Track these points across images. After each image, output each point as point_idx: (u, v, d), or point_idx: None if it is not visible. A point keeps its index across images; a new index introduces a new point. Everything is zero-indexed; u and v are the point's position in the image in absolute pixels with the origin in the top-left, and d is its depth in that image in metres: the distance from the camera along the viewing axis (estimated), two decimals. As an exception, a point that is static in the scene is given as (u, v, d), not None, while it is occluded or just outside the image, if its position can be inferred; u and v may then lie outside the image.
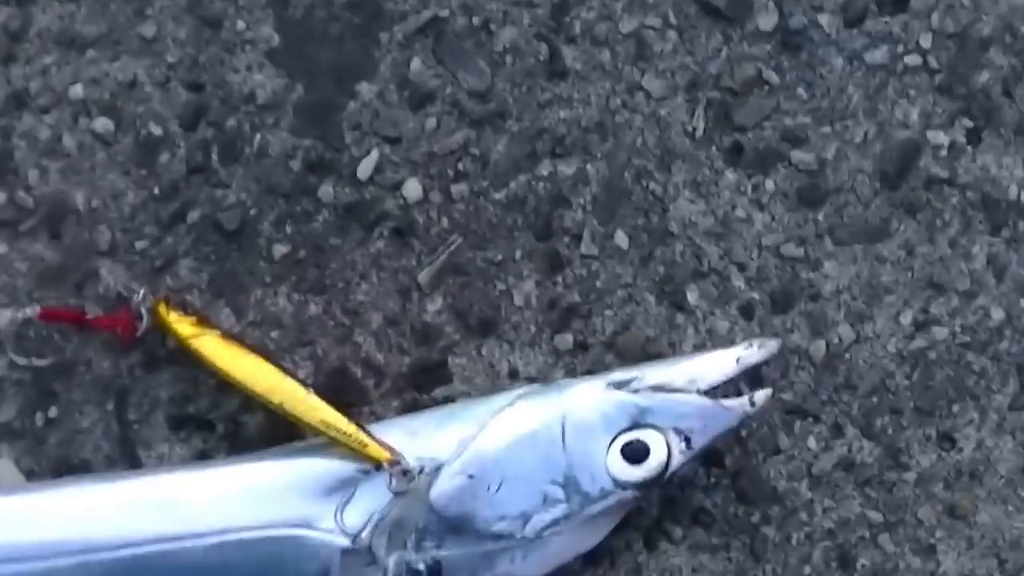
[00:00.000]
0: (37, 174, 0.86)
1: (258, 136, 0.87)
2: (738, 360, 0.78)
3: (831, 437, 0.85)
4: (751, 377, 0.80)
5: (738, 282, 0.86)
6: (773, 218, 0.87)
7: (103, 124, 0.86)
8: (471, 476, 0.75)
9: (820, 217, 0.87)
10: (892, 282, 0.87)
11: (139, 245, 0.85)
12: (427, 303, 0.85)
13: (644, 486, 0.77)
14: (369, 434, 0.75)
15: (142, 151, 0.86)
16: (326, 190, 0.86)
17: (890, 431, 0.85)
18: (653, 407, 0.76)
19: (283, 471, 0.77)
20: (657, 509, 0.83)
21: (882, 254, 0.87)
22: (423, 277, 0.85)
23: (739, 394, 0.78)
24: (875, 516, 0.84)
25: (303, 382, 0.78)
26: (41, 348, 0.83)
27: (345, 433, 0.75)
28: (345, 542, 0.74)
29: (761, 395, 0.78)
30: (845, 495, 0.84)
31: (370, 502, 0.75)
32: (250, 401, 0.79)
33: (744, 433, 0.84)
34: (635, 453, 0.76)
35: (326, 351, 0.84)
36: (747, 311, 0.86)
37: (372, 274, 0.85)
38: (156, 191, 0.85)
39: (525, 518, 0.75)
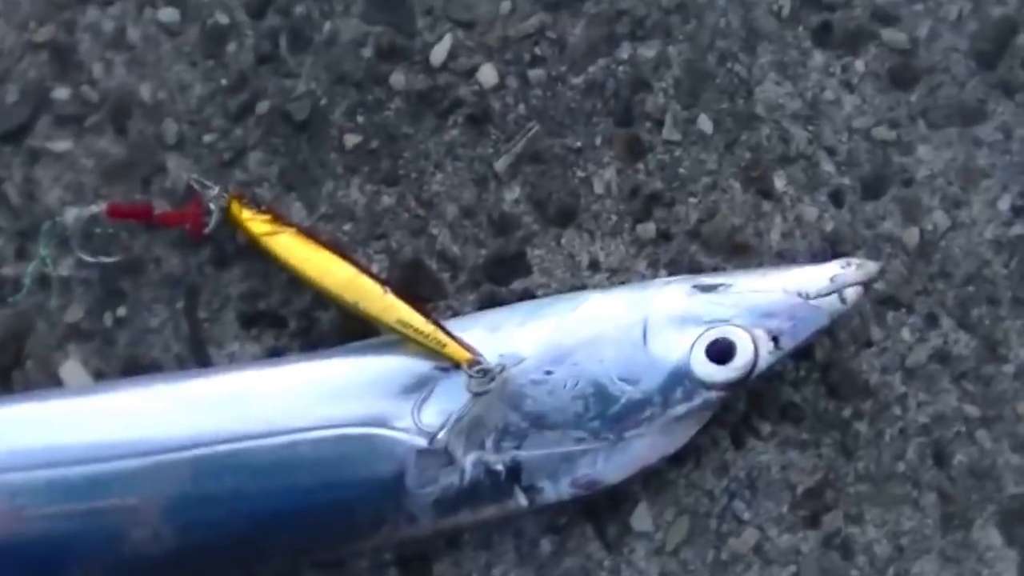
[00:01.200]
0: (102, 68, 0.76)
1: (328, 23, 0.76)
2: (832, 279, 0.66)
3: (926, 328, 0.72)
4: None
5: (827, 167, 0.73)
6: (864, 100, 0.74)
7: (168, 14, 0.76)
8: (550, 373, 0.65)
9: (913, 99, 0.74)
10: (989, 166, 0.74)
11: (207, 138, 0.74)
12: (504, 192, 0.73)
13: (729, 386, 0.66)
14: (448, 333, 0.66)
15: (209, 41, 0.75)
16: (398, 78, 0.74)
17: (987, 322, 0.72)
18: (740, 305, 0.66)
19: (358, 368, 0.68)
20: (744, 404, 0.72)
21: (978, 137, 0.74)
22: (500, 166, 0.73)
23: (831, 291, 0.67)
24: (972, 410, 0.72)
25: (380, 279, 0.68)
26: (109, 246, 0.72)
27: (423, 333, 0.66)
28: (422, 442, 0.64)
29: (853, 292, 0.67)
30: (940, 389, 0.72)
31: (448, 401, 0.65)
32: (324, 297, 0.69)
33: (835, 325, 0.71)
34: (720, 352, 0.65)
35: (400, 244, 0.72)
36: (837, 197, 0.73)
37: (447, 163, 0.73)
38: (224, 82, 0.74)
39: (604, 418, 0.66)
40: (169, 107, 0.74)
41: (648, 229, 0.73)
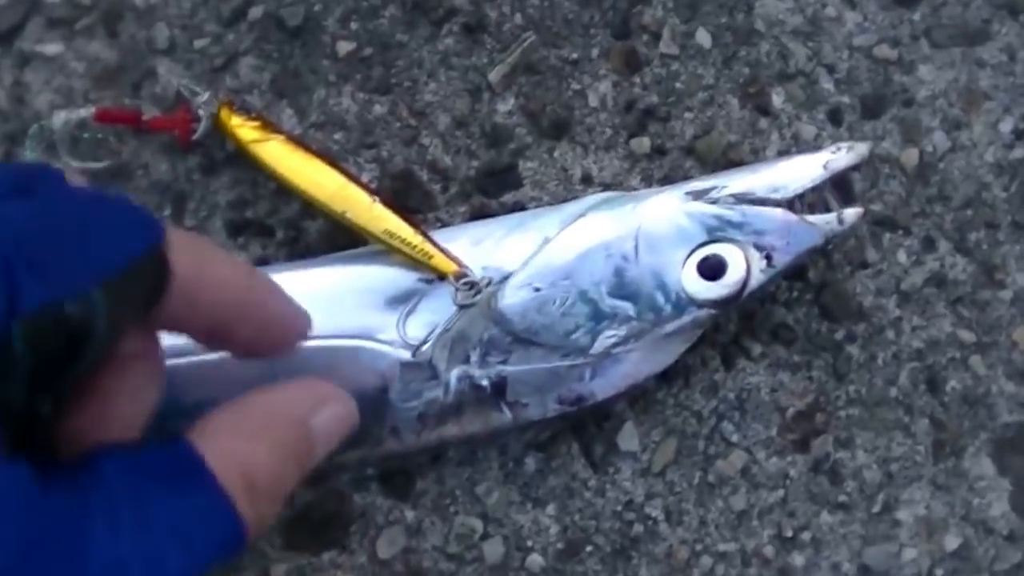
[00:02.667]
0: (94, -31, 0.62)
1: (322, -70, 0.62)
2: (825, 165, 0.55)
3: (922, 251, 0.60)
4: (841, 191, 0.56)
5: (827, 85, 0.61)
6: (865, 17, 0.62)
7: None
8: (538, 289, 0.54)
9: (916, 17, 0.62)
10: (991, 87, 0.61)
11: (198, 43, 0.62)
12: (498, 103, 0.61)
13: (720, 304, 0.54)
14: (435, 244, 0.55)
15: (202, -55, 0.62)
16: (392, -15, 0.61)
17: (985, 246, 0.60)
18: (733, 220, 0.54)
19: (343, 279, 0.56)
20: (735, 324, 0.59)
21: (981, 57, 0.62)
22: (494, 76, 0.61)
23: (827, 210, 0.55)
24: (967, 336, 0.60)
25: (368, 189, 0.56)
26: (97, 151, 0.60)
27: (410, 244, 0.55)
28: (406, 355, 0.54)
29: (851, 213, 0.55)
30: (936, 313, 0.60)
31: (433, 313, 0.54)
32: (312, 206, 0.57)
33: (829, 246, 0.59)
34: (712, 269, 0.54)
35: (391, 153, 0.60)
36: (835, 116, 0.61)
37: (440, 72, 0.61)
38: (216, -13, 0.61)
39: (594, 334, 0.54)
40: (161, 11, 0.62)
41: (643, 143, 0.61)
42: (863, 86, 0.61)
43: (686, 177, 0.60)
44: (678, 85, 0.61)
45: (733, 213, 0.54)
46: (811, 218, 0.54)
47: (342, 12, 0.62)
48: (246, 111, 0.59)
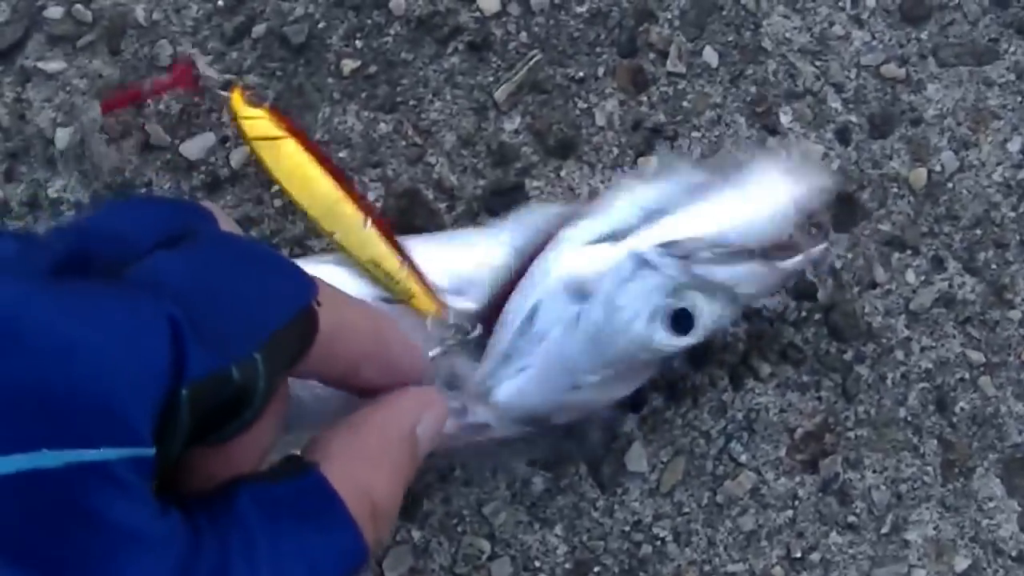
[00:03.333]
0: (97, -15, 0.61)
1: (327, -54, 0.61)
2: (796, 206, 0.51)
3: (931, 271, 0.59)
4: (845, 208, 0.56)
5: (835, 104, 0.60)
6: (873, 36, 0.61)
7: None
8: (523, 369, 0.51)
9: (923, 36, 0.61)
10: (1000, 106, 0.61)
11: (201, 61, 0.60)
12: (504, 122, 0.60)
13: (694, 345, 0.52)
14: (421, 279, 0.52)
15: (206, -38, 0.61)
16: (398, 2, 0.61)
17: (994, 266, 0.60)
18: (704, 277, 0.51)
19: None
20: (744, 344, 0.58)
21: (990, 76, 0.61)
22: (500, 94, 0.60)
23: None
24: (976, 356, 0.59)
25: (367, 209, 0.53)
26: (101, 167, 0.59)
27: (392, 279, 0.52)
28: None
29: (818, 250, 0.53)
30: (944, 333, 0.59)
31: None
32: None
33: (839, 265, 0.59)
34: (678, 321, 0.51)
35: (396, 172, 0.60)
36: (843, 135, 0.60)
37: (446, 91, 0.60)
38: (220, 3, 0.61)
39: (571, 392, 0.52)
40: (164, 28, 0.62)
41: (650, 162, 0.60)
42: (871, 105, 0.61)
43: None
44: (685, 104, 0.61)
45: (703, 271, 0.51)
46: (780, 265, 0.52)
47: (346, 30, 0.61)
48: (260, 99, 0.57)
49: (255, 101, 0.55)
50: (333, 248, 0.53)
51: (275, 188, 0.59)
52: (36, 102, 0.61)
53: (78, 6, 0.61)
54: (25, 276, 0.26)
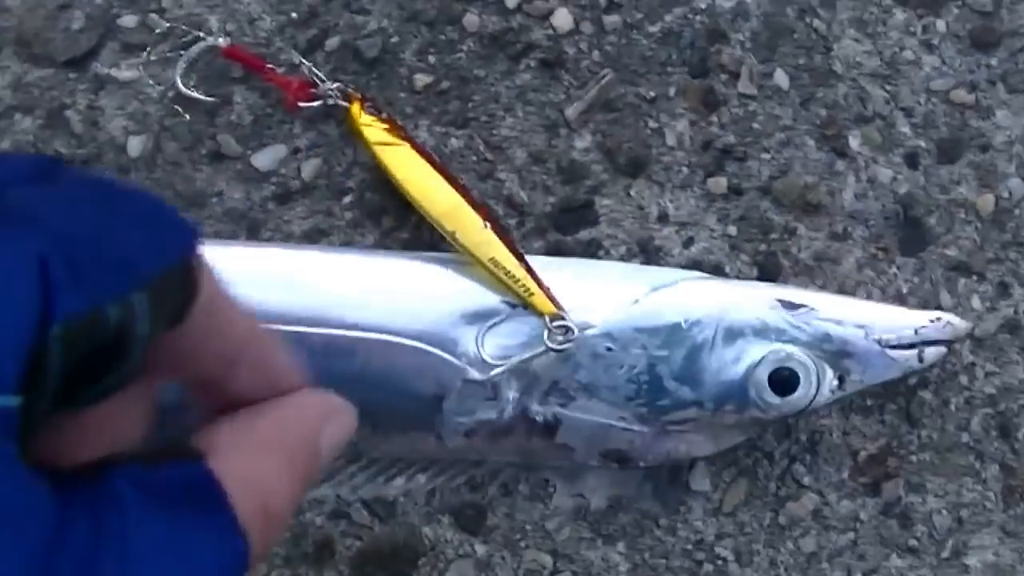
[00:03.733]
0: (171, -5, 0.61)
1: (400, -40, 0.61)
2: (917, 331, 0.54)
3: (997, 297, 0.60)
4: (912, 233, 0.56)
5: (904, 128, 0.61)
6: (943, 61, 0.61)
7: None
8: (610, 348, 0.54)
9: (993, 62, 0.61)
10: (1068, 134, 0.60)
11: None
12: (575, 140, 0.60)
13: (783, 414, 0.54)
14: (538, 282, 0.54)
15: (280, -27, 0.61)
16: (471, 18, 0.61)
17: (1059, 293, 0.60)
18: (817, 334, 0.54)
19: (427, 279, 0.56)
20: (809, 365, 0.58)
21: (1059, 104, 0.61)
22: (571, 112, 0.60)
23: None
24: (1040, 382, 0.59)
25: (484, 213, 0.56)
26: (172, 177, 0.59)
27: (513, 277, 0.54)
28: (471, 370, 0.53)
29: (932, 352, 0.54)
30: (1009, 359, 0.59)
31: (512, 338, 0.54)
32: (385, 234, 0.56)
33: (905, 290, 0.59)
34: (782, 381, 0.53)
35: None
36: (912, 159, 0.60)
37: (517, 108, 0.60)
38: (294, 15, 0.61)
39: (651, 407, 0.54)
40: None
41: (719, 183, 0.60)
42: (940, 130, 0.61)
43: (763, 218, 0.60)
44: (755, 125, 0.61)
45: (819, 326, 0.53)
46: (893, 353, 0.54)
47: (419, 45, 0.61)
48: (377, 111, 0.58)
49: (373, 111, 0.57)
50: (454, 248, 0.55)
51: (346, 200, 0.60)
52: (109, 109, 0.61)
53: (153, 15, 0.62)
54: None
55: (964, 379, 0.59)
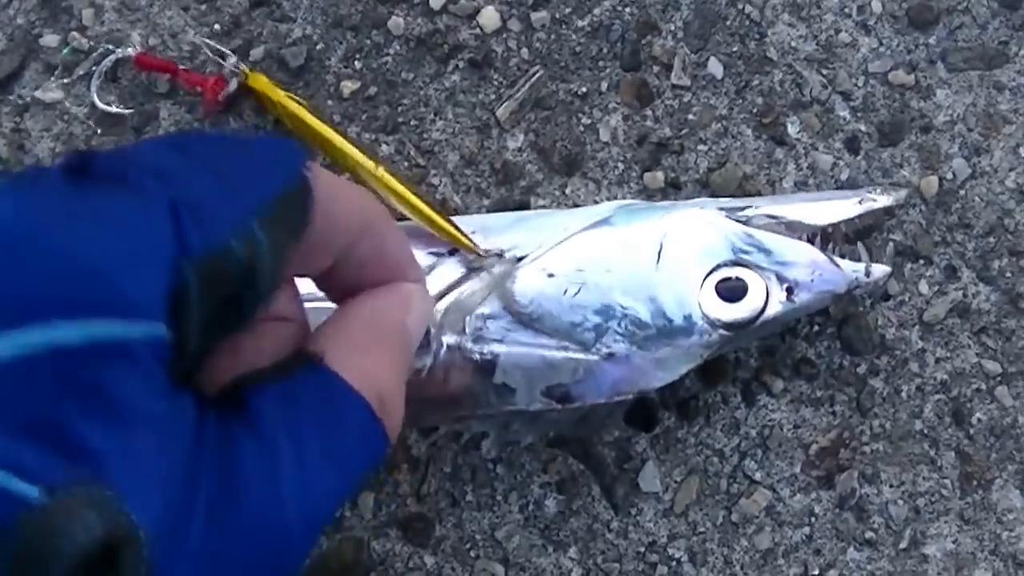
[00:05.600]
0: (92, 13, 0.61)
1: (324, -34, 0.60)
2: (860, 201, 0.53)
3: (944, 281, 0.58)
4: (860, 233, 0.55)
5: (843, 112, 0.59)
6: (880, 42, 0.59)
7: None
8: (552, 275, 0.52)
9: (932, 40, 0.59)
10: (1011, 111, 0.59)
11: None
12: (507, 140, 0.58)
13: (732, 326, 0.52)
14: (449, 220, 0.53)
15: (202, -16, 0.60)
16: (397, 21, 0.59)
17: (1009, 274, 0.58)
18: (762, 245, 0.52)
19: None
20: (756, 360, 0.57)
21: (1000, 80, 0.59)
22: (502, 112, 0.59)
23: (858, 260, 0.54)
24: (992, 367, 0.58)
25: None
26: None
27: (419, 210, 0.53)
28: None
29: (879, 268, 0.53)
30: (960, 344, 0.58)
31: (439, 284, 0.52)
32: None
33: (850, 296, 0.57)
34: (730, 291, 0.51)
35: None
36: (852, 144, 0.58)
37: (448, 110, 0.59)
38: (217, 27, 0.60)
39: (598, 332, 0.51)
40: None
41: (656, 178, 0.58)
42: (880, 113, 0.59)
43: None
44: (691, 117, 0.59)
45: (763, 238, 0.52)
46: (840, 262, 0.52)
47: (345, 51, 0.59)
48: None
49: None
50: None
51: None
52: (35, 132, 0.60)
53: (74, 33, 0.60)
54: (38, 189, 0.27)
55: (915, 366, 0.58)
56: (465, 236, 0.52)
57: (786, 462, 0.57)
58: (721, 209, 0.53)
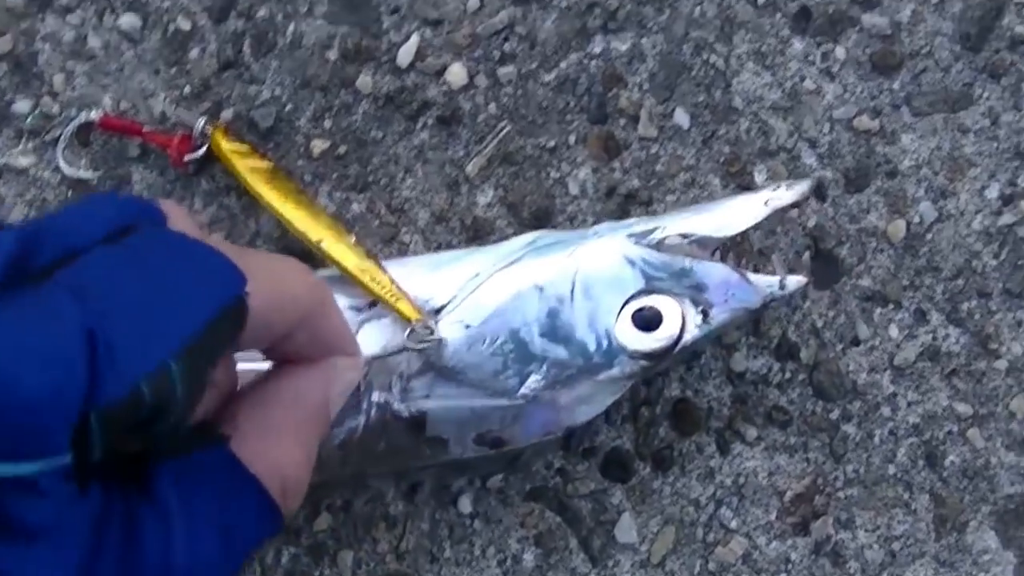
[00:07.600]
0: (63, 78, 0.61)
1: (291, 25, 0.61)
2: (767, 202, 0.52)
3: (914, 324, 0.58)
4: (824, 266, 0.54)
5: (809, 159, 0.59)
6: (845, 88, 0.59)
7: (129, 21, 0.61)
8: (468, 326, 0.51)
9: (896, 86, 0.59)
10: (976, 153, 0.59)
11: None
12: (477, 195, 0.58)
13: (652, 356, 0.51)
14: (402, 291, 0.52)
15: (171, 48, 0.60)
16: (365, 80, 0.59)
17: (978, 316, 0.58)
18: (673, 270, 0.51)
19: None
20: (729, 408, 0.57)
21: (964, 123, 0.59)
22: (471, 168, 0.59)
23: (773, 274, 0.53)
24: (964, 409, 0.58)
25: (346, 226, 0.55)
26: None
27: (379, 283, 0.52)
28: None
29: (793, 280, 0.52)
30: (931, 387, 0.57)
31: (370, 340, 0.51)
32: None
33: (820, 324, 0.57)
34: (646, 320, 0.51)
35: (372, 251, 0.57)
36: (819, 191, 0.59)
37: (417, 167, 0.59)
38: (187, 90, 0.60)
39: (522, 376, 0.51)
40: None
41: (628, 229, 0.59)
42: (846, 159, 0.59)
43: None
44: (659, 167, 0.59)
45: (674, 262, 0.51)
46: (753, 277, 0.52)
47: (314, 111, 0.59)
48: (239, 137, 0.58)
49: (235, 137, 0.58)
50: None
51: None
52: (8, 198, 0.59)
53: (46, 99, 0.60)
54: None
55: (887, 410, 0.57)
56: (414, 308, 0.52)
57: (761, 509, 0.57)
58: (631, 236, 0.52)
